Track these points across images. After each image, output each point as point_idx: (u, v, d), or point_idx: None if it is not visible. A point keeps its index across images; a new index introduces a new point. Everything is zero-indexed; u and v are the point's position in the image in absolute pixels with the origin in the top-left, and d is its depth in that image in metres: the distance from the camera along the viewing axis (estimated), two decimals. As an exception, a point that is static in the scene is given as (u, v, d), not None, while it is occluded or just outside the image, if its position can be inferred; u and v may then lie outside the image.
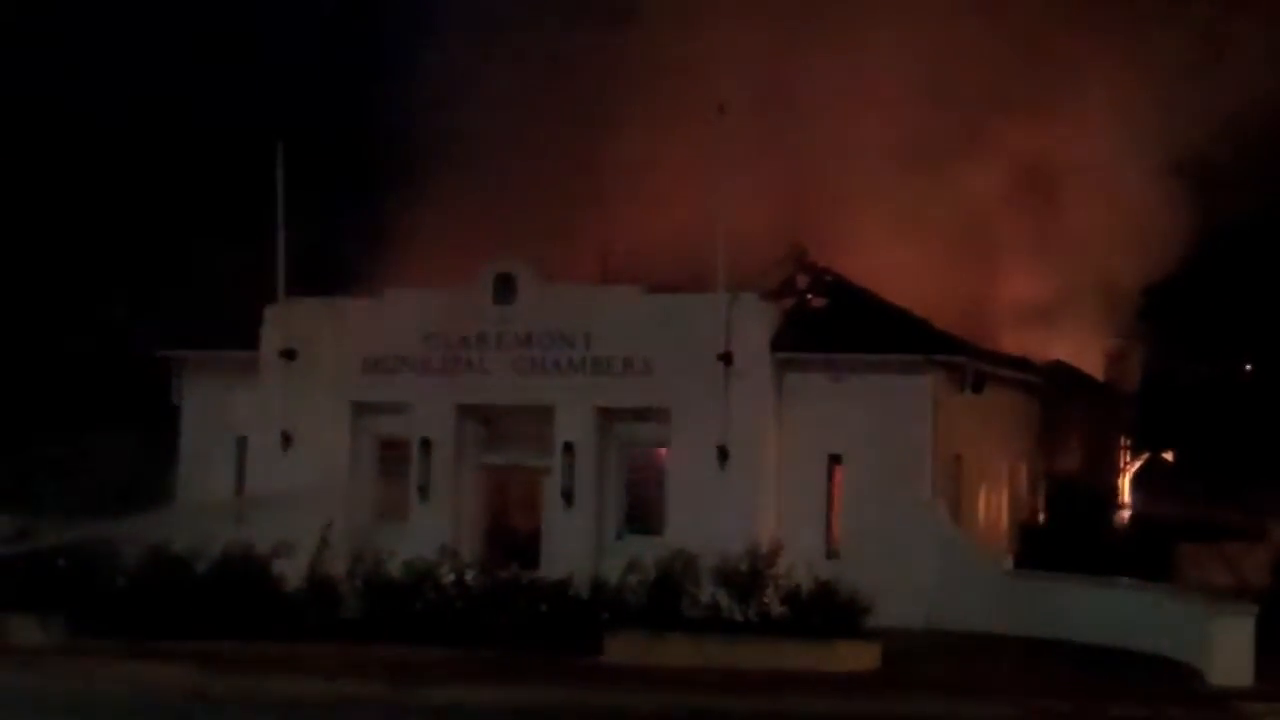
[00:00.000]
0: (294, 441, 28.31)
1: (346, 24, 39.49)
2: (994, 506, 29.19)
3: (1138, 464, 32.92)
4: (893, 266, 29.07)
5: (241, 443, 29.14)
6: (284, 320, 28.48)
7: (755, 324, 26.12)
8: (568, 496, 26.85)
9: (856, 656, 21.60)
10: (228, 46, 39.41)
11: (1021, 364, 30.07)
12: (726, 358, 25.88)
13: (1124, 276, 30.67)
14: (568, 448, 26.85)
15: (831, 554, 25.53)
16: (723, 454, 25.91)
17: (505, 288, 27.44)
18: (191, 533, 25.27)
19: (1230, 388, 27.54)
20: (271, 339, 28.64)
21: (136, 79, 38.85)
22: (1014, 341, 31.70)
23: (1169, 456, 31.45)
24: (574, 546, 26.32)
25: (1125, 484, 33.14)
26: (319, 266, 29.52)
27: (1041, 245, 32.67)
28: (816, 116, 30.61)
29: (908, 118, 30.96)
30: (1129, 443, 32.77)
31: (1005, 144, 32.62)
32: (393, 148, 33.97)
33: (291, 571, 24.67)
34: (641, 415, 26.79)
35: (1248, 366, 28.29)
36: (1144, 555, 26.96)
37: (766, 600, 22.80)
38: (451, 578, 23.75)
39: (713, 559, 23.26)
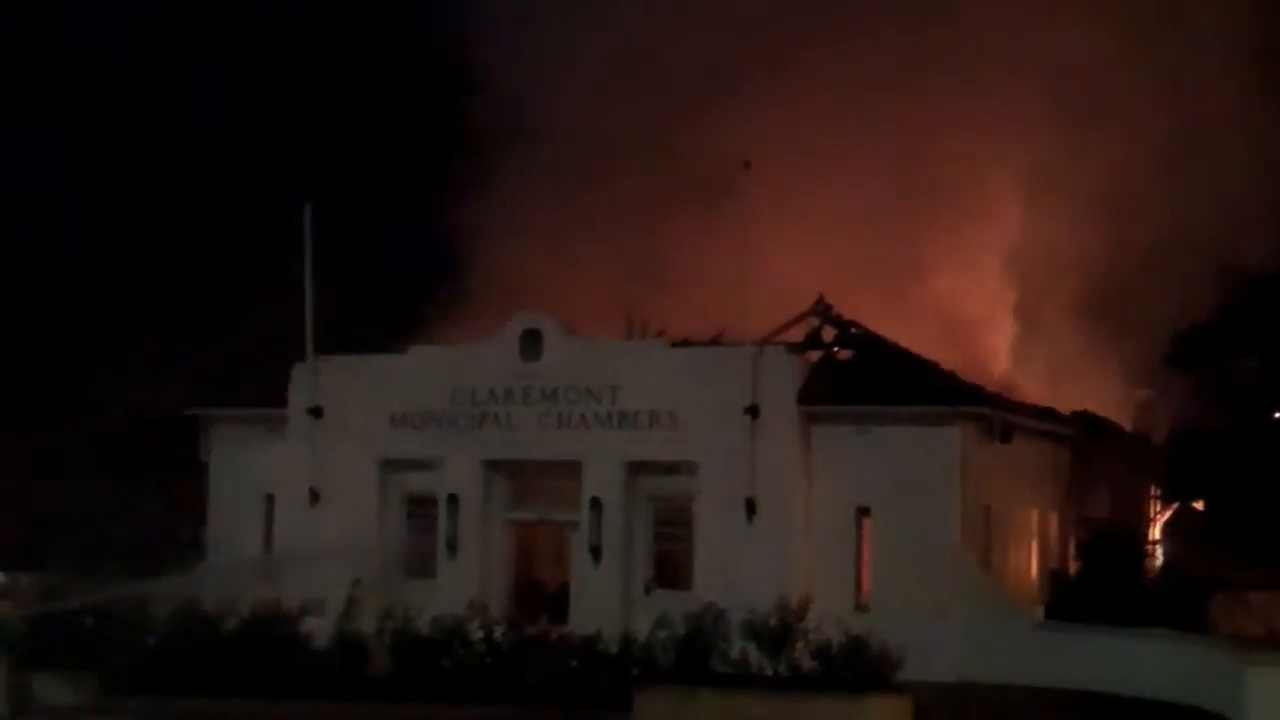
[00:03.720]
0: (322, 498, 28.41)
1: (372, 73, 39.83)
2: (1024, 557, 29.01)
3: (1168, 514, 32.71)
4: (917, 317, 29.15)
5: (270, 500, 29.27)
6: (312, 377, 28.66)
7: (782, 377, 26.13)
8: (596, 552, 26.81)
9: (888, 711, 21.47)
10: (259, 106, 39.86)
11: (1049, 414, 29.97)
12: (754, 410, 25.88)
13: (1153, 325, 30.60)
14: (595, 503, 26.85)
15: (861, 607, 25.40)
16: (751, 507, 25.86)
17: (532, 343, 27.54)
18: (220, 591, 25.37)
19: (1259, 436, 27.36)
20: (299, 396, 28.80)
21: (170, 131, 39.30)
22: (1042, 391, 31.62)
23: (1199, 506, 31.23)
24: (602, 602, 26.26)
25: (1156, 534, 32.92)
26: (348, 323, 29.71)
27: (1068, 296, 32.68)
28: (839, 174, 30.81)
29: (919, 174, 31.18)
30: (1159, 492, 32.57)
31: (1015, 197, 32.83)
32: (426, 207, 34.27)
33: (320, 629, 24.73)
34: (669, 469, 26.78)
35: (1277, 415, 28.12)
36: (1176, 606, 26.68)
37: (797, 655, 22.72)
38: (480, 634, 23.74)
39: (742, 613, 23.20)
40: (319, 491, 28.40)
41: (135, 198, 39.23)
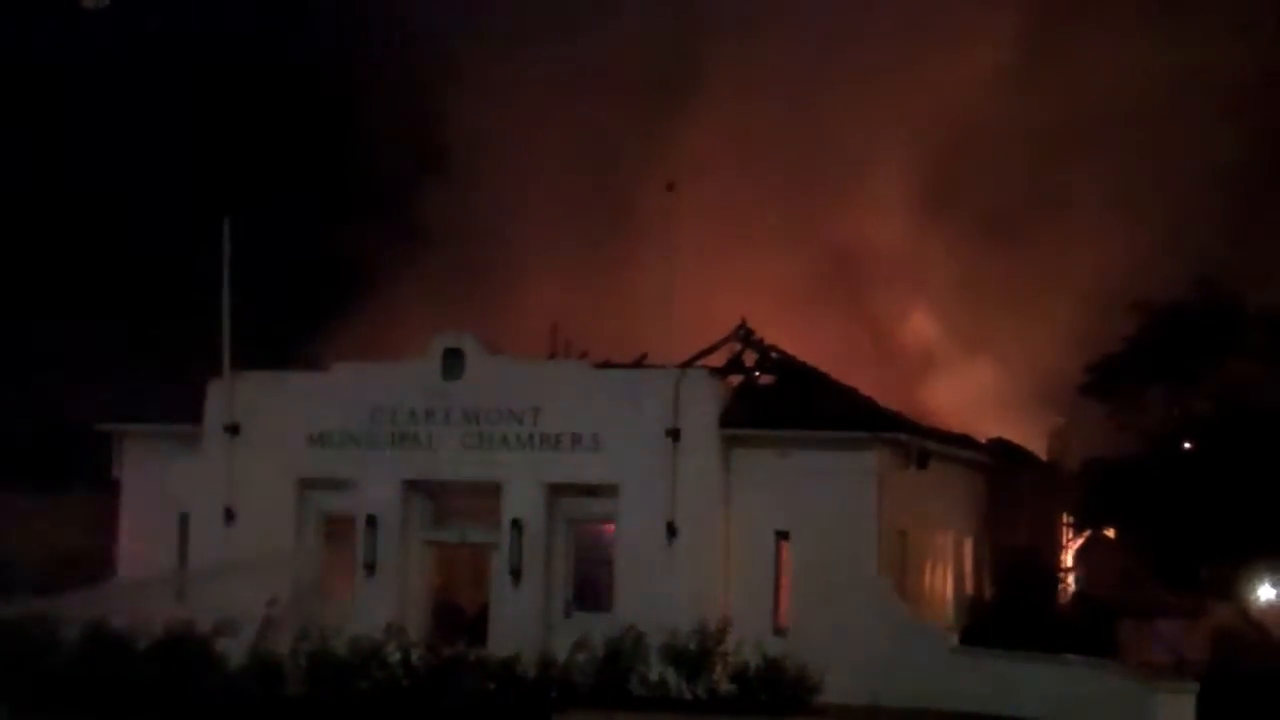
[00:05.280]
0: (237, 517, 28.01)
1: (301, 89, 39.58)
2: (939, 582, 29.33)
3: (1080, 541, 33.23)
4: (836, 343, 29.46)
5: (184, 518, 28.82)
6: (228, 394, 28.27)
7: (703, 400, 26.22)
8: (516, 573, 26.70)
9: (805, 734, 21.56)
10: (174, 116, 39.42)
11: (965, 441, 30.37)
12: (675, 434, 25.96)
13: (1065, 355, 31.17)
14: (516, 524, 26.74)
15: (779, 631, 25.53)
16: (671, 530, 25.91)
17: (454, 362, 27.40)
18: (132, 610, 24.93)
19: (1168, 466, 27.92)
20: (215, 413, 28.41)
21: (79, 148, 38.75)
22: (957, 419, 32.08)
23: (1110, 534, 31.78)
24: (522, 624, 26.15)
25: (1069, 560, 33.42)
26: (264, 340, 29.40)
27: (985, 327, 33.24)
28: (764, 203, 31.16)
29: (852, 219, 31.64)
30: (1072, 520, 33.09)
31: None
32: (341, 221, 34.07)
33: (235, 649, 24.38)
34: (590, 491, 26.74)
35: (1185, 445, 28.71)
36: (1087, 632, 27.15)
37: (715, 678, 22.78)
38: (398, 656, 23.54)
39: (661, 636, 23.25)
40: (235, 510, 28.01)
41: (49, 205, 38.62)
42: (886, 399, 28.74)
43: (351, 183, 35.93)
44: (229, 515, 28.02)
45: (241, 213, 28.21)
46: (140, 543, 29.13)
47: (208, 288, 28.40)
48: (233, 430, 28.15)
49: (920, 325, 34.05)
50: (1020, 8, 34.41)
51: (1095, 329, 30.34)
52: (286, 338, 31.64)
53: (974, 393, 33.48)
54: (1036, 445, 33.99)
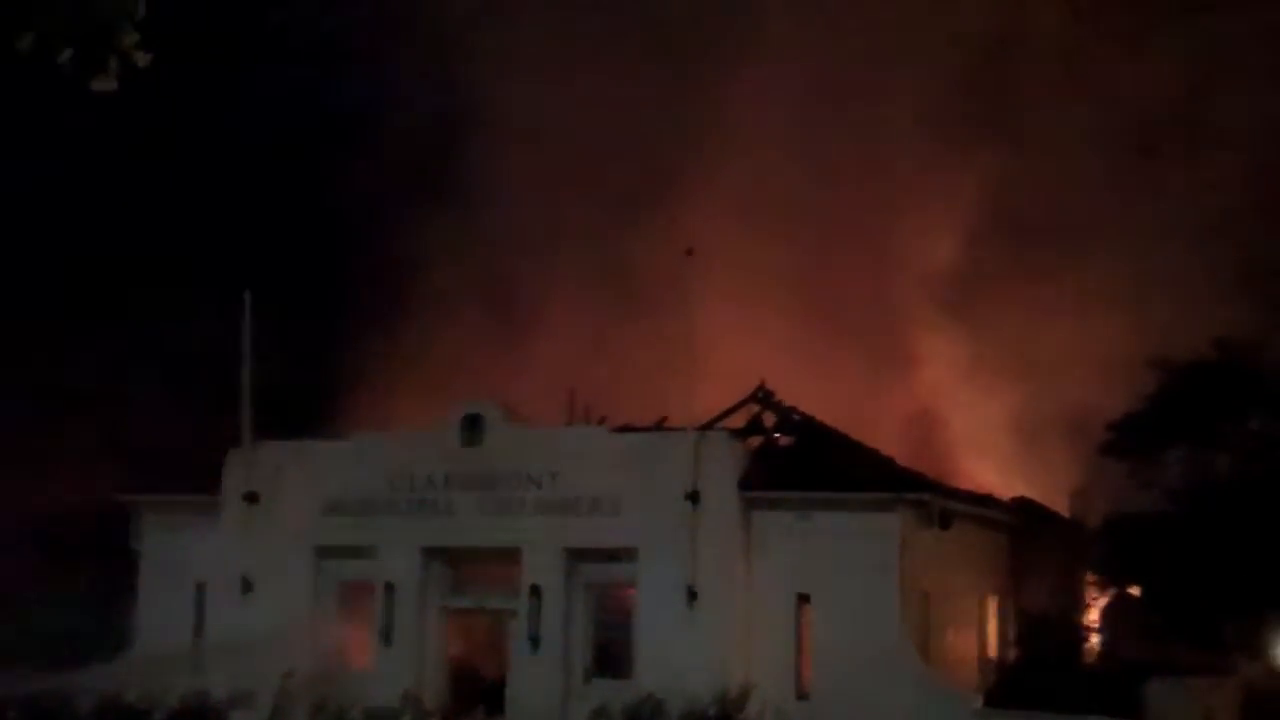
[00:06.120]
0: (254, 586, 27.88)
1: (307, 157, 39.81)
2: (963, 643, 29.01)
3: (1105, 599, 32.90)
4: (857, 407, 29.34)
5: (201, 588, 28.71)
6: (247, 463, 28.24)
7: (723, 463, 26.07)
8: (534, 640, 26.47)
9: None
10: (191, 185, 39.65)
11: (988, 501, 30.15)
12: (694, 497, 25.78)
13: (1088, 412, 31.02)
14: (534, 590, 26.54)
15: (802, 695, 25.24)
16: (691, 594, 25.67)
17: (473, 428, 27.33)
18: (148, 681, 24.78)
19: (1191, 523, 27.67)
20: (234, 482, 28.37)
21: (103, 211, 38.94)
22: (979, 478, 31.87)
23: (1135, 592, 31.45)
24: (541, 691, 25.91)
25: (1093, 619, 33.08)
26: (284, 409, 29.38)
27: (1006, 382, 33.12)
28: (784, 262, 31.21)
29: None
30: (1095, 578, 32.80)
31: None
32: (358, 290, 34.12)
33: (252, 721, 24.18)
34: (609, 556, 26.55)
35: (1208, 502, 28.47)
36: (1113, 692, 26.77)
37: (738, 744, 22.49)
38: (416, 725, 23.32)
39: (681, 702, 23.00)
40: (252, 580, 27.89)
41: (66, 277, 38.78)
42: (909, 459, 28.55)
43: (367, 249, 36.01)
44: (246, 585, 27.89)
45: (261, 285, 28.30)
46: (157, 613, 29.03)
47: (227, 358, 28.42)
48: (251, 499, 28.09)
49: (939, 378, 33.89)
50: None
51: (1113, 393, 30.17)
52: (305, 406, 31.59)
53: (997, 451, 33.30)
54: (1059, 503, 33.74)
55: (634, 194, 32.66)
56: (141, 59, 8.15)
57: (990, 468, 32.94)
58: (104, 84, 8.12)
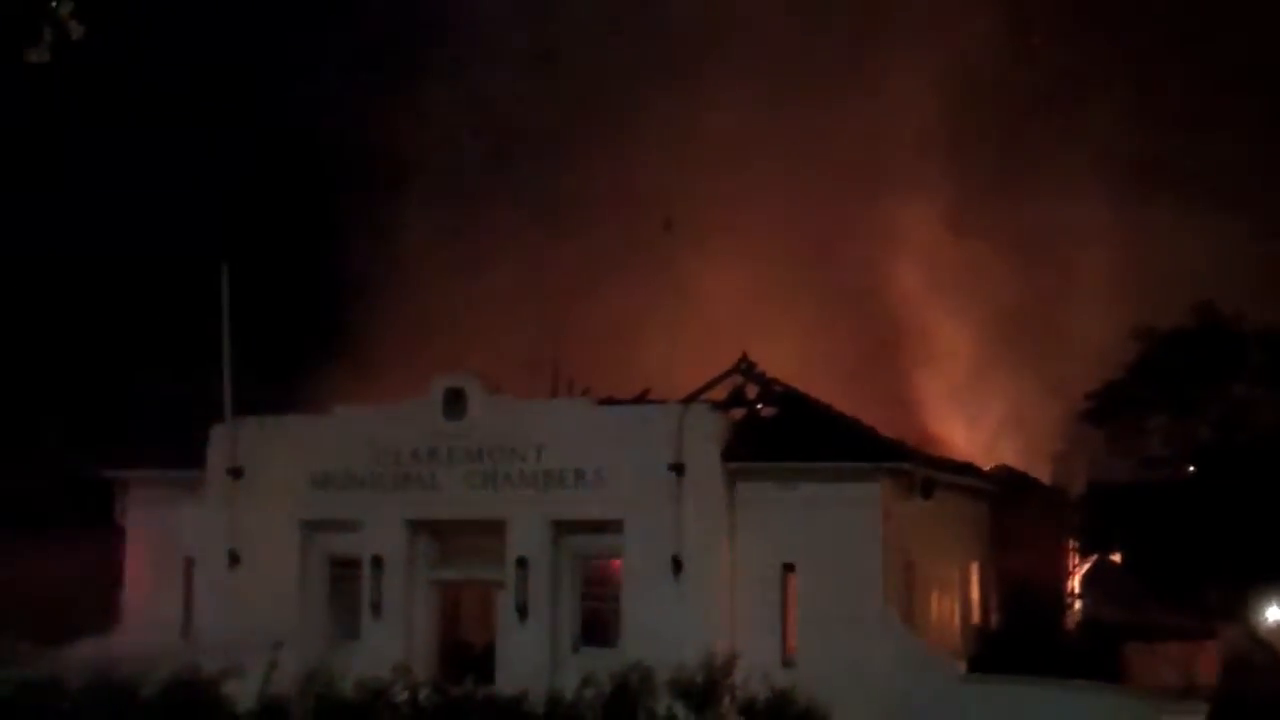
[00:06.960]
0: (242, 561, 28.01)
1: (291, 141, 39.74)
2: (946, 611, 29.27)
3: (1086, 566, 33.19)
4: (837, 376, 29.47)
5: (188, 562, 28.80)
6: (231, 439, 28.32)
7: (706, 434, 26.23)
8: (522, 610, 26.67)
9: (816, 766, 21.46)
10: (169, 167, 39.53)
11: (969, 469, 30.36)
12: (678, 468, 25.95)
13: (1069, 380, 31.22)
14: (521, 561, 26.72)
15: (787, 663, 25.45)
16: (676, 565, 25.88)
17: (455, 402, 27.43)
18: (138, 656, 24.83)
19: (1172, 489, 27.90)
20: (218, 457, 28.44)
21: (81, 186, 38.82)
22: (962, 447, 32.09)
23: (1116, 558, 31.74)
24: (529, 661, 26.10)
25: (1075, 586, 33.36)
26: (267, 384, 29.44)
27: (989, 351, 33.30)
28: (761, 232, 31.25)
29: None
30: (1077, 545, 33.06)
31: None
32: (341, 263, 34.11)
33: (241, 693, 24.25)
34: (594, 527, 26.71)
35: (1190, 468, 28.70)
36: (1095, 656, 27.07)
37: (723, 711, 22.64)
38: (405, 696, 23.38)
39: (668, 671, 23.11)
40: (239, 554, 28.01)
41: (47, 253, 38.66)
42: (891, 428, 28.71)
43: (344, 220, 35.95)
44: (233, 559, 28.02)
45: (240, 258, 28.29)
46: (145, 588, 29.13)
47: (208, 332, 28.44)
48: (236, 474, 28.18)
49: (921, 346, 34.04)
50: None
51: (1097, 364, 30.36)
52: (287, 380, 31.63)
53: (979, 418, 33.53)
54: (1040, 470, 33.98)
55: (623, 156, 32.57)
56: (75, 30, 7.99)
57: (973, 436, 33.11)
58: (38, 55, 8.00)
